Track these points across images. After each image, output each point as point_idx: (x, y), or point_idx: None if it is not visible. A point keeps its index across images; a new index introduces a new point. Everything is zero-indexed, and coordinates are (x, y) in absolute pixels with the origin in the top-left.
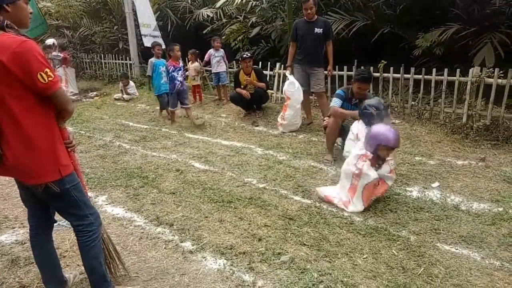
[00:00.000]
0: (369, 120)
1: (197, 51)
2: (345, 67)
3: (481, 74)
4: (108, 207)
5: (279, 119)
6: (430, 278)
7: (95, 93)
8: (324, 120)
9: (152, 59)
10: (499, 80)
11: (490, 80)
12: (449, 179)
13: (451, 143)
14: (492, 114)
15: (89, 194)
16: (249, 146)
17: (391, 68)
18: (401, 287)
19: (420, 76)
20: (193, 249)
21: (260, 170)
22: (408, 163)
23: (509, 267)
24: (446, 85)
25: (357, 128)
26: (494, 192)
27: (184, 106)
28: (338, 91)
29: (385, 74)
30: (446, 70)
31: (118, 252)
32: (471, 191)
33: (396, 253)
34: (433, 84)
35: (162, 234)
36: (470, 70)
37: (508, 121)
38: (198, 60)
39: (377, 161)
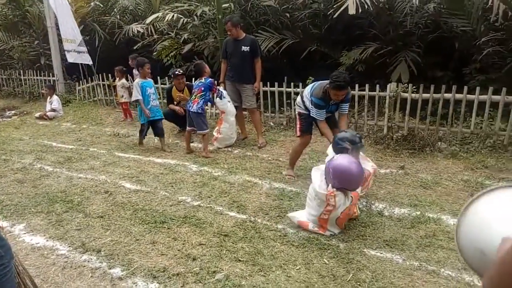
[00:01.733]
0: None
1: (124, 68)
2: (276, 83)
3: (398, 89)
4: (26, 236)
5: (214, 133)
6: (358, 283)
7: (13, 112)
8: (259, 139)
9: (138, 80)
10: (413, 95)
11: (406, 94)
12: (374, 187)
13: (375, 153)
14: (409, 125)
15: (2, 223)
16: (184, 163)
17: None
18: None
19: None
20: (122, 275)
21: (195, 187)
22: None
23: (426, 266)
24: (368, 99)
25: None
26: (413, 197)
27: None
28: (315, 100)
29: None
30: (367, 85)
31: (37, 286)
32: (393, 198)
33: (327, 262)
34: (356, 99)
35: (88, 261)
36: (388, 86)
37: (422, 131)
38: (127, 76)
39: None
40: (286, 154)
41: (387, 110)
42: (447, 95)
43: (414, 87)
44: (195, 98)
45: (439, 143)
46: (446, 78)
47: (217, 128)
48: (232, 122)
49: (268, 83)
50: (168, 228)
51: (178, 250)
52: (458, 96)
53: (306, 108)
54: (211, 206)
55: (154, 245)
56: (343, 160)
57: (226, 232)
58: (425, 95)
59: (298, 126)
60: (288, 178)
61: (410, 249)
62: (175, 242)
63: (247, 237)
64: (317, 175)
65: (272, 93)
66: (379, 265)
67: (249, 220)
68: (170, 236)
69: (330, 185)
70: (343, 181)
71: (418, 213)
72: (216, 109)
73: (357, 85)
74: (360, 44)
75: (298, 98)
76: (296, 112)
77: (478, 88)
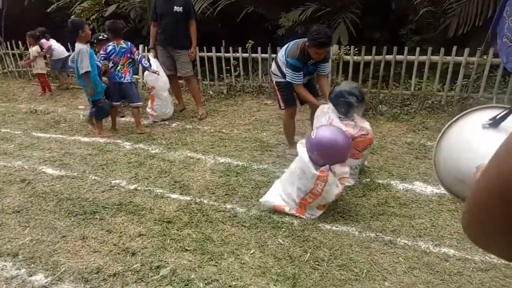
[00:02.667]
0: (346, 110)
1: (37, 33)
2: (213, 48)
3: (340, 52)
4: None
5: (148, 110)
6: (317, 263)
7: None
8: (199, 110)
9: (85, 47)
10: (355, 57)
11: (348, 57)
12: None
13: None
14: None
15: None
16: (115, 141)
17: (259, 48)
18: (290, 279)
19: None
20: (47, 282)
21: (130, 169)
22: (283, 143)
23: (383, 237)
24: None
25: (329, 118)
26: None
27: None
28: (292, 61)
29: (254, 55)
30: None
31: None
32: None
33: (282, 242)
34: None
35: (2, 269)
36: (330, 48)
37: (364, 94)
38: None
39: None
40: (229, 125)
41: (330, 74)
42: (388, 57)
43: (356, 49)
44: (123, 67)
45: (380, 105)
46: (383, 40)
47: (149, 105)
48: (165, 98)
49: (205, 48)
50: (101, 219)
51: (114, 245)
52: (399, 57)
53: (284, 75)
54: (149, 189)
55: (85, 241)
56: (325, 132)
57: (169, 218)
58: (367, 57)
59: (279, 97)
60: (289, 155)
61: (364, 220)
62: (110, 235)
63: (193, 222)
64: (305, 151)
65: (210, 59)
66: (336, 240)
67: (194, 202)
68: (103, 229)
69: (323, 166)
70: (331, 156)
71: (368, 180)
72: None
73: None
74: (299, 6)
75: (273, 65)
76: (274, 83)
77: (418, 49)
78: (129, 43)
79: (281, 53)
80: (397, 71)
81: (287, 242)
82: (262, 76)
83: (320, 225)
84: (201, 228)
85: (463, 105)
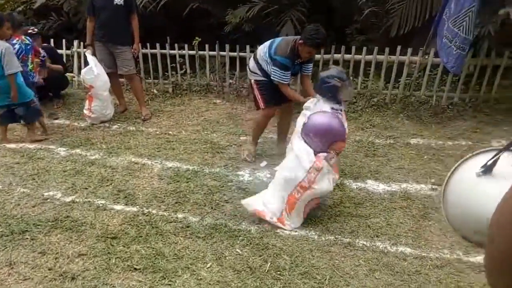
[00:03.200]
0: (333, 94)
1: None
2: (157, 45)
3: None
4: None
5: (85, 111)
6: (279, 272)
7: None
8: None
9: (8, 44)
10: None
11: None
12: (275, 156)
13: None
14: (301, 88)
15: None
16: (48, 147)
17: (206, 46)
18: None
19: (235, 53)
20: None
21: (66, 178)
22: (235, 144)
23: (341, 239)
24: None
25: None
26: None
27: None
28: (281, 59)
29: (201, 52)
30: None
31: None
32: None
33: (240, 252)
34: (247, 62)
35: None
36: None
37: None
38: None
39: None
40: (176, 126)
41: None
42: (336, 56)
43: None
44: (35, 66)
45: None
46: (330, 39)
47: (87, 106)
48: (105, 97)
49: (148, 44)
50: (32, 239)
51: (49, 269)
52: (347, 56)
53: (266, 73)
54: (89, 201)
55: (12, 268)
56: (319, 118)
57: (113, 234)
58: (317, 56)
59: (259, 97)
60: (246, 156)
61: (322, 222)
62: (44, 257)
63: (141, 236)
64: (300, 140)
65: (154, 56)
66: (296, 246)
67: (142, 213)
68: (35, 251)
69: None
70: (328, 135)
71: None
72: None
73: (248, 46)
74: (246, 2)
75: (252, 63)
76: (252, 81)
77: (365, 49)
78: (29, 38)
79: (263, 50)
80: (346, 71)
81: (245, 251)
82: (209, 74)
83: (278, 230)
84: (151, 242)
85: (405, 104)
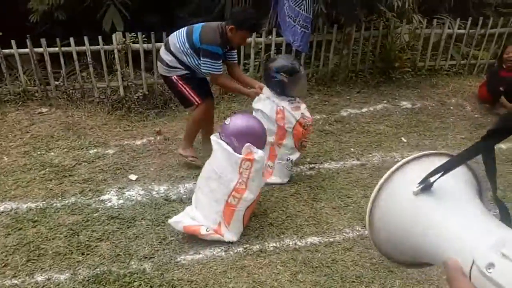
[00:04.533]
0: (281, 90)
1: None
2: None
3: (126, 40)
4: None
5: None
6: None
7: None
8: None
9: None
10: (145, 45)
11: (137, 45)
12: (140, 166)
13: (118, 121)
14: (148, 82)
15: None
16: None
17: (13, 42)
18: None
19: (57, 49)
20: None
21: None
22: (85, 161)
23: (250, 247)
24: (91, 56)
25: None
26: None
27: None
28: (211, 48)
29: (7, 51)
30: (86, 38)
31: None
32: (168, 173)
33: None
34: (75, 57)
35: None
36: (113, 36)
37: (161, 86)
38: None
39: None
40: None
41: (119, 67)
42: None
43: (144, 36)
44: None
45: None
46: (163, 24)
47: None
48: None
49: None
50: None
51: None
52: None
53: (187, 66)
54: None
55: None
56: (238, 121)
57: None
58: (158, 45)
59: (190, 92)
60: (190, 160)
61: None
62: None
63: None
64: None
65: None
66: (206, 272)
67: None
68: None
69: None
70: (249, 140)
71: None
72: None
73: (72, 39)
74: None
75: (168, 57)
76: (173, 78)
77: None
78: None
79: (179, 41)
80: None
81: None
82: (24, 78)
83: (179, 258)
84: None
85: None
